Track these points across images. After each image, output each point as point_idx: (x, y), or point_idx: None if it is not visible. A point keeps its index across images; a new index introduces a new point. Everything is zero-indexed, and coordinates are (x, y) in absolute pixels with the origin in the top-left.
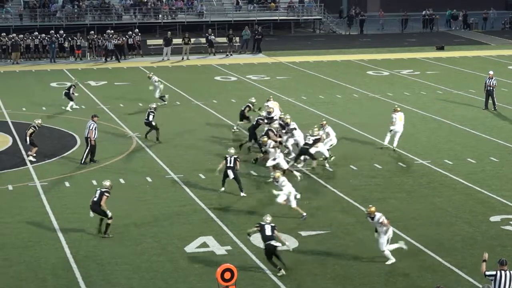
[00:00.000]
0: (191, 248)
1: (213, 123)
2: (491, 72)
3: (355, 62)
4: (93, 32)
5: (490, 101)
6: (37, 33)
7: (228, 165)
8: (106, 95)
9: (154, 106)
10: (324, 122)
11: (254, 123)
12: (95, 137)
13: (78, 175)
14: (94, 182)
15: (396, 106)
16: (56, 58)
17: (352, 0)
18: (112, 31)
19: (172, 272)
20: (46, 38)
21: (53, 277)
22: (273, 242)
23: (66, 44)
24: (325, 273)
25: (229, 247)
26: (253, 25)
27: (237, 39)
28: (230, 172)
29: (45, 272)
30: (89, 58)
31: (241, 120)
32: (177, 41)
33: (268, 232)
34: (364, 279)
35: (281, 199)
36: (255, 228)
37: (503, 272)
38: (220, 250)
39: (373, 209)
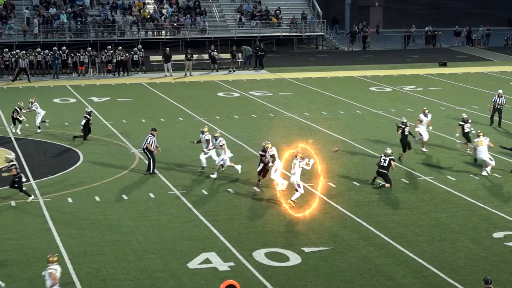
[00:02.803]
0: (194, 264)
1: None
2: (500, 91)
3: (358, 78)
4: (90, 48)
5: (496, 117)
6: (40, 49)
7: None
8: (109, 111)
9: (89, 110)
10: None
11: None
12: (153, 147)
13: (81, 191)
14: (97, 198)
15: (425, 108)
16: (59, 74)
17: (355, 16)
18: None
19: None
20: (49, 54)
21: None
22: None
23: (69, 60)
24: None
25: (232, 263)
26: (255, 41)
27: (240, 55)
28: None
29: None
30: (91, 74)
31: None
32: (180, 57)
33: None
34: None
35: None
36: None
37: None
38: (223, 266)
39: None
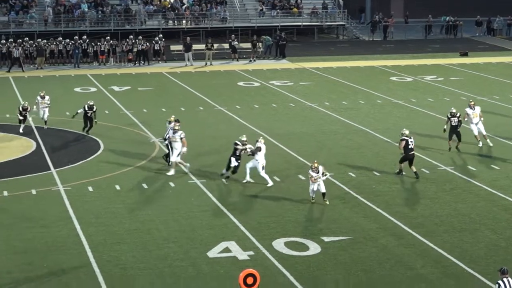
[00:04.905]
0: (213, 253)
1: (235, 129)
2: None
3: (379, 68)
4: (108, 37)
5: None
6: (61, 38)
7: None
8: (129, 100)
9: (92, 103)
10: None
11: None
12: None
13: (101, 180)
14: (118, 187)
15: (471, 100)
16: (80, 64)
17: (376, 6)
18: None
19: (194, 277)
20: (70, 43)
21: (76, 281)
22: None
23: (89, 50)
24: (347, 279)
25: (251, 252)
26: (276, 30)
27: (260, 44)
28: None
29: (68, 277)
30: (112, 63)
31: None
32: (200, 46)
33: None
34: (386, 286)
35: (174, 156)
36: None
37: (505, 280)
38: (242, 255)
39: (316, 164)
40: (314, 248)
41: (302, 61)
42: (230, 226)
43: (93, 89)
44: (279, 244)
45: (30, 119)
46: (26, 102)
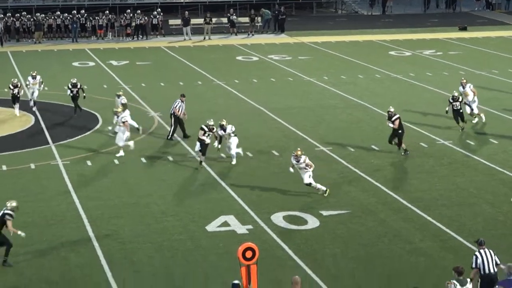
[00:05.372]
0: (212, 227)
1: (234, 103)
2: None
3: (377, 43)
4: (107, 12)
5: None
6: (59, 12)
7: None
8: (128, 75)
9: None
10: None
11: None
12: (180, 113)
13: (100, 154)
14: (116, 162)
15: (462, 78)
16: (78, 38)
17: None
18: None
19: (193, 250)
20: (68, 17)
21: (75, 255)
22: None
23: (88, 24)
24: (346, 253)
25: (250, 226)
26: (274, 4)
27: (259, 19)
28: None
29: (67, 250)
30: (111, 38)
31: None
32: (199, 21)
33: None
34: (385, 259)
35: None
36: None
37: (482, 251)
38: (241, 229)
39: (299, 152)
40: (312, 222)
41: (301, 36)
42: (229, 200)
43: (91, 64)
44: (277, 218)
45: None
46: (16, 79)
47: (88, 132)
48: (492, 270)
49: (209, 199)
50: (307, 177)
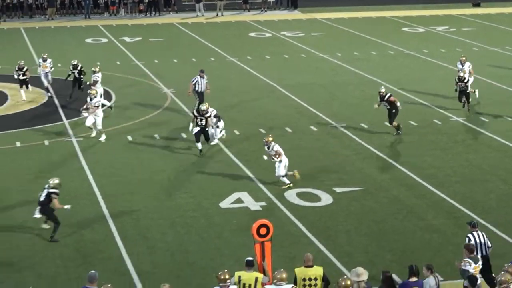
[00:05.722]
0: (225, 203)
1: (247, 79)
2: None
3: (390, 19)
4: None
5: None
6: None
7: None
8: (140, 51)
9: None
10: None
11: None
12: (197, 89)
13: (113, 131)
14: (130, 138)
15: (462, 55)
16: (90, 14)
17: None
18: None
19: (206, 227)
20: None
21: (90, 231)
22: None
23: (100, 0)
24: (359, 229)
25: (263, 203)
26: None
27: None
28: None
29: (81, 227)
30: (123, 14)
31: None
32: None
33: (41, 197)
34: (398, 236)
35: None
36: None
37: (475, 233)
38: (254, 206)
39: (270, 138)
40: (326, 199)
41: (314, 12)
42: (242, 177)
43: (104, 40)
44: (291, 195)
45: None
46: (22, 61)
47: (102, 109)
48: (483, 253)
49: (222, 176)
50: (278, 169)
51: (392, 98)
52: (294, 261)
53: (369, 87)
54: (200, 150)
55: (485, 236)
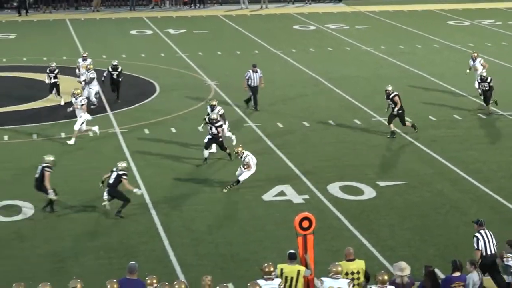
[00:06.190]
0: (268, 196)
1: (290, 72)
2: None
3: (436, 12)
4: None
5: None
6: None
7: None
8: (185, 43)
9: (115, 63)
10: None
11: None
12: (249, 84)
13: (157, 123)
14: (173, 130)
15: (473, 51)
16: (135, 6)
17: None
18: None
19: (249, 220)
20: None
21: (133, 223)
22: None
23: None
24: (402, 223)
25: (306, 196)
26: None
27: None
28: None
29: (125, 218)
30: (168, 6)
31: None
32: None
33: (111, 180)
34: (441, 230)
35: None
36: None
37: (482, 232)
38: (297, 198)
39: (240, 149)
40: (369, 193)
41: (359, 5)
42: (285, 170)
43: (149, 32)
44: (334, 188)
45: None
46: (54, 63)
47: (146, 101)
48: (492, 251)
49: (265, 169)
50: (243, 173)
51: (396, 98)
52: (337, 254)
53: (413, 81)
54: (206, 159)
55: (491, 234)
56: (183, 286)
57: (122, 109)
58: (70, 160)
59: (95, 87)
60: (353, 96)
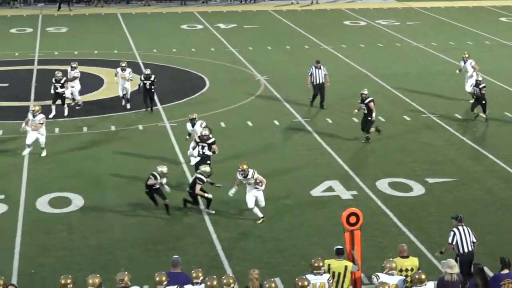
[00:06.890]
0: (317, 192)
1: (341, 68)
2: None
3: (487, 8)
4: None
5: None
6: None
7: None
8: (235, 38)
9: (148, 71)
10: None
11: None
12: (312, 81)
13: (207, 117)
14: (223, 124)
15: (465, 52)
16: (186, 1)
17: None
18: None
19: (297, 215)
20: None
21: (182, 216)
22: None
23: None
24: (451, 221)
25: (355, 192)
26: None
27: None
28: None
29: (173, 210)
30: (218, 1)
31: None
32: None
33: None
34: (491, 228)
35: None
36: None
37: (460, 228)
38: (345, 194)
39: (245, 166)
40: (418, 189)
41: (410, 1)
42: (334, 165)
43: (199, 26)
44: (382, 184)
45: (137, 55)
46: (60, 73)
47: (195, 95)
48: (469, 249)
49: (314, 164)
50: (252, 201)
51: (371, 104)
52: (385, 251)
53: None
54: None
55: (470, 231)
56: (231, 280)
57: (172, 103)
58: (118, 152)
59: (77, 86)
60: (403, 92)
